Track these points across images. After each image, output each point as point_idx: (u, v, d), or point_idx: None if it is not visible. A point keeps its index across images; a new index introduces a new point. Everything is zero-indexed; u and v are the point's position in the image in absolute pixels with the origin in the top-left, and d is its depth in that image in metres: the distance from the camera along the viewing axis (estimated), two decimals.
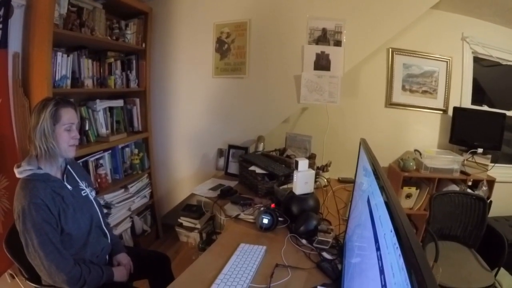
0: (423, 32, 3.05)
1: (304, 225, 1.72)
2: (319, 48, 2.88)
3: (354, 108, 3.18)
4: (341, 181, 2.75)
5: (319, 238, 1.66)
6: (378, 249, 0.76)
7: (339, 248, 1.57)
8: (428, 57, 3.10)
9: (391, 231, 0.65)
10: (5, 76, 2.27)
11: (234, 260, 1.50)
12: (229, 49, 3.15)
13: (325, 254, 1.53)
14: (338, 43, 2.86)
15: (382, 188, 0.86)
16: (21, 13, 2.36)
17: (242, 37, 3.08)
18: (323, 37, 2.87)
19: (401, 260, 0.54)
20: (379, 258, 0.73)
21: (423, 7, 2.67)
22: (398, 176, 2.90)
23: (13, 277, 2.41)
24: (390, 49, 3.10)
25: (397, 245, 0.59)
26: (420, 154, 2.95)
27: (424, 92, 3.14)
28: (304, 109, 3.26)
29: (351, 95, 3.15)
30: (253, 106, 3.18)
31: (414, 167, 2.90)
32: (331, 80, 2.88)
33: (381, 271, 0.68)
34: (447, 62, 3.11)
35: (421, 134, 3.19)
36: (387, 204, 0.76)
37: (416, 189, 2.95)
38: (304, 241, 1.68)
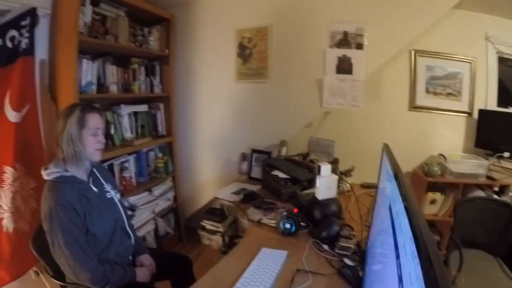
0: (446, 32, 2.98)
1: (326, 230, 1.72)
2: (341, 52, 2.87)
3: (377, 112, 3.14)
4: (364, 186, 2.72)
5: (341, 244, 1.65)
6: (398, 257, 0.76)
7: (361, 254, 1.56)
8: (452, 58, 3.03)
9: (411, 239, 0.65)
10: (33, 82, 2.36)
11: (255, 264, 1.51)
12: (251, 54, 3.18)
13: (346, 260, 1.53)
14: (359, 46, 2.84)
15: (402, 195, 0.86)
16: (46, 22, 2.47)
17: (263, 42, 3.10)
18: (344, 40, 2.86)
19: (419, 269, 0.54)
20: (399, 266, 0.72)
21: (444, 7, 2.63)
22: (422, 181, 2.85)
23: (38, 274, 2.50)
24: (413, 51, 3.04)
25: (415, 253, 0.59)
26: (445, 158, 2.89)
27: (448, 94, 3.08)
28: (327, 113, 3.23)
29: (374, 99, 3.11)
30: (276, 111, 3.20)
31: (439, 172, 2.83)
32: (354, 83, 2.87)
33: (400, 280, 0.68)
34: (470, 63, 3.03)
35: (446, 138, 3.12)
36: (407, 211, 0.76)
37: (441, 194, 2.88)
38: (325, 247, 1.68)
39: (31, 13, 2.27)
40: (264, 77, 3.16)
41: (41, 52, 2.43)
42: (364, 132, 3.13)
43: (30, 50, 2.29)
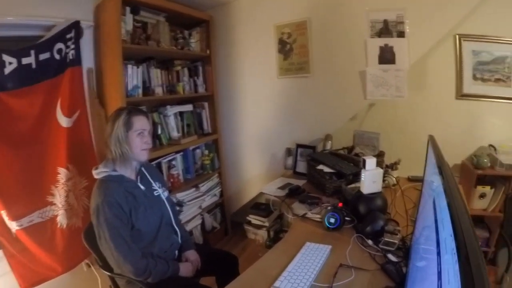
0: (491, 13, 2.76)
1: (371, 225, 1.70)
2: (382, 41, 2.79)
3: (423, 102, 3.02)
4: (411, 179, 2.63)
5: (386, 239, 1.63)
6: (439, 253, 0.76)
7: (405, 250, 1.54)
8: (498, 41, 2.82)
9: (451, 236, 0.66)
10: (82, 89, 2.56)
11: (299, 258, 1.54)
12: (291, 49, 3.17)
13: (390, 256, 1.51)
14: (401, 34, 2.73)
15: (445, 190, 0.85)
16: (90, 32, 2.67)
17: (303, 36, 3.08)
18: (385, 29, 2.77)
19: (457, 267, 0.55)
20: (439, 263, 0.73)
21: None
22: (471, 174, 2.72)
23: (89, 266, 2.72)
24: (457, 36, 2.88)
25: (455, 250, 0.60)
26: (495, 149, 2.76)
27: (497, 80, 2.88)
28: (372, 105, 3.16)
29: (419, 88, 3.00)
30: (320, 105, 3.18)
31: (489, 164, 2.69)
32: (397, 73, 2.79)
33: (439, 277, 0.69)
34: None
35: (496, 127, 2.92)
36: (449, 206, 0.75)
37: (491, 188, 2.72)
38: (370, 242, 1.66)
39: (75, 26, 2.45)
40: (306, 72, 3.15)
41: (87, 61, 2.63)
42: (410, 123, 3.03)
43: (77, 60, 2.48)
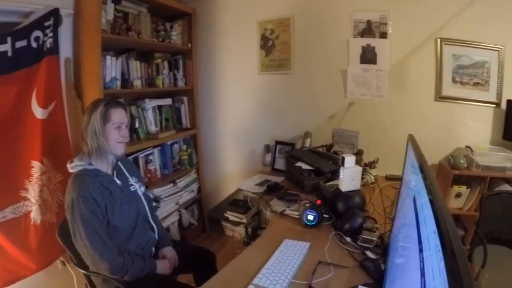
0: (472, 20, 2.84)
1: (349, 222, 1.71)
2: (365, 41, 2.82)
3: (402, 102, 3.06)
4: (388, 178, 2.68)
5: (364, 236, 1.64)
6: (421, 250, 0.76)
7: (384, 247, 1.55)
8: (479, 46, 2.90)
9: (435, 233, 0.65)
10: (58, 80, 2.43)
11: (277, 255, 1.53)
12: (273, 46, 3.17)
13: (368, 253, 1.51)
14: (383, 35, 2.78)
15: (428, 188, 0.85)
16: (69, 21, 2.54)
17: (286, 33, 3.09)
18: (368, 30, 2.81)
19: (442, 263, 0.54)
20: (421, 260, 0.72)
21: None
22: (448, 174, 2.77)
23: (64, 264, 2.60)
24: (439, 39, 2.93)
25: (439, 247, 0.59)
26: (472, 150, 2.80)
27: (476, 84, 2.96)
28: (351, 104, 3.19)
29: (399, 89, 3.03)
30: (300, 102, 3.20)
31: (465, 165, 2.73)
32: (378, 73, 2.82)
33: (422, 273, 0.68)
34: (499, 51, 2.90)
35: (473, 130, 3.01)
36: (432, 204, 0.75)
37: (467, 188, 2.78)
38: (348, 239, 1.67)
39: (54, 14, 2.33)
40: (288, 69, 3.16)
41: (65, 50, 2.51)
42: (389, 123, 3.06)
43: (54, 49, 2.36)
